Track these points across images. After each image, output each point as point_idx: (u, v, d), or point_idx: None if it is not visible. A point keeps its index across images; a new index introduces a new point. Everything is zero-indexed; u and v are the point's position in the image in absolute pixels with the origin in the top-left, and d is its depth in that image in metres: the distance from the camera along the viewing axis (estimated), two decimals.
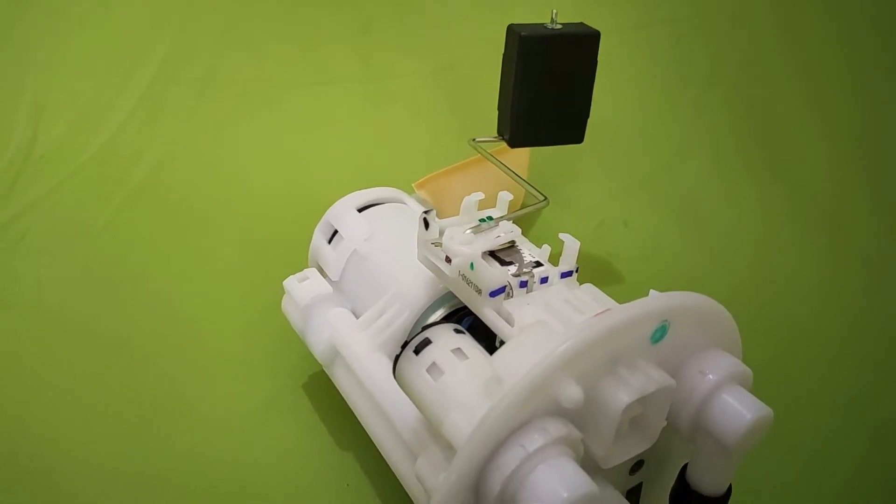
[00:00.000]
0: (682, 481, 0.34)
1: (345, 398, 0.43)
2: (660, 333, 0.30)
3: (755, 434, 0.31)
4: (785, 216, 0.63)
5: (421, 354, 0.33)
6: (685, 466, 0.34)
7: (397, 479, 0.39)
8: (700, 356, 0.33)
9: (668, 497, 0.35)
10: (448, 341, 0.33)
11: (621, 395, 0.29)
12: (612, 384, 0.29)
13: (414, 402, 0.33)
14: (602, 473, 0.32)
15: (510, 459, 0.27)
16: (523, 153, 0.62)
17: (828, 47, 0.69)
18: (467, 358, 0.32)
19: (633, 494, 0.37)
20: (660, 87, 0.70)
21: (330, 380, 0.45)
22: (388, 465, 0.40)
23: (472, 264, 0.35)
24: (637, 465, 0.35)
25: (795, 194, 0.64)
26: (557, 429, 0.28)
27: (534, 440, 0.27)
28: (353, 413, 0.43)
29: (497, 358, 0.31)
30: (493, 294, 0.35)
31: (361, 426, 0.42)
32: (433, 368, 0.32)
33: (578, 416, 0.29)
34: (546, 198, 0.42)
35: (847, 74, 0.68)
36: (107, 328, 0.54)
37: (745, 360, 0.33)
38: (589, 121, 0.49)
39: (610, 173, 0.67)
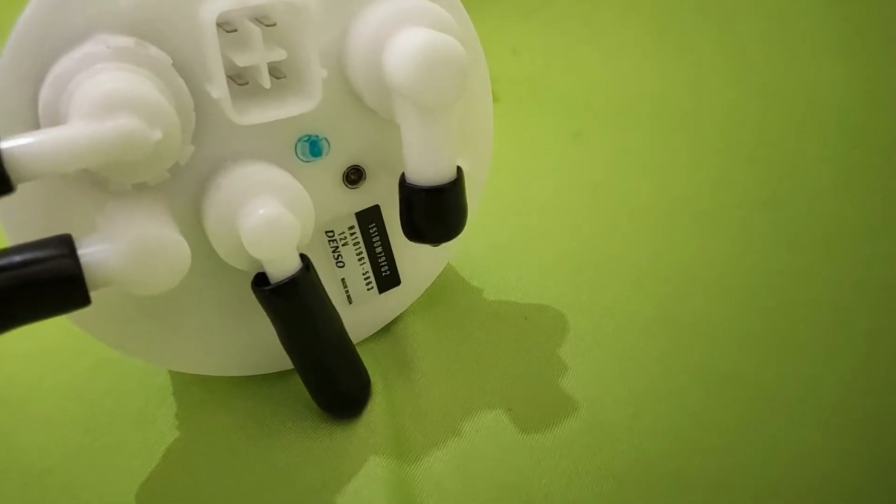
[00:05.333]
0: (403, 186, 0.27)
1: None
2: None
3: (437, 69, 0.24)
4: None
5: None
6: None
7: None
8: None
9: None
10: None
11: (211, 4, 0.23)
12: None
13: None
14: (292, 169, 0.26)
15: (62, 68, 0.22)
16: None
17: None
18: None
19: (375, 222, 0.30)
20: None
21: None
22: None
23: None
24: (354, 173, 0.29)
25: None
26: (119, 41, 0.22)
27: (84, 48, 0.22)
28: None
29: None
30: None
31: None
32: None
33: (169, 45, 0.23)
34: None
35: None
36: None
37: None
38: None
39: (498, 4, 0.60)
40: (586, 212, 0.42)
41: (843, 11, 0.52)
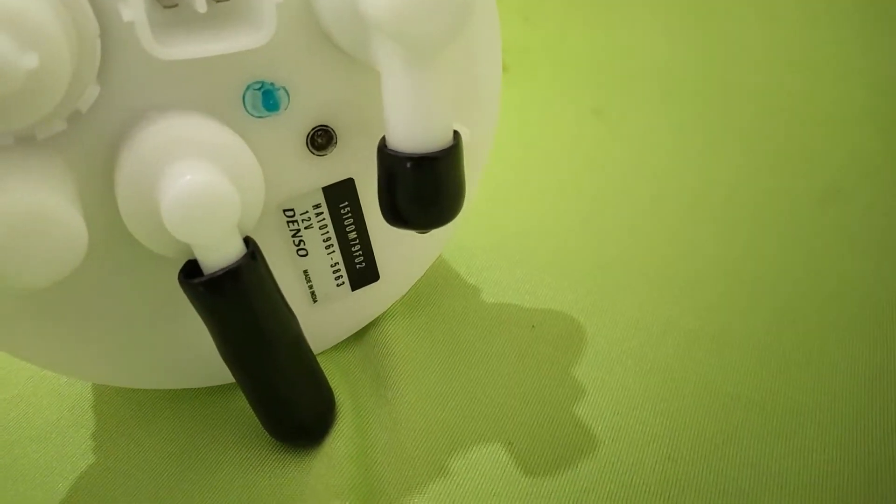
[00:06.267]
0: (383, 154, 0.21)
1: None
2: None
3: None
4: None
5: None
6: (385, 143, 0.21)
7: None
8: None
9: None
10: None
11: None
12: None
13: None
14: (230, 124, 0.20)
15: None
16: None
17: None
18: None
19: (348, 200, 0.24)
20: None
21: None
22: None
23: None
24: (322, 135, 0.22)
25: None
26: None
27: None
28: None
29: None
30: None
31: None
32: None
33: None
34: None
35: None
36: None
37: None
38: None
39: None
40: (608, 200, 0.36)
41: None
